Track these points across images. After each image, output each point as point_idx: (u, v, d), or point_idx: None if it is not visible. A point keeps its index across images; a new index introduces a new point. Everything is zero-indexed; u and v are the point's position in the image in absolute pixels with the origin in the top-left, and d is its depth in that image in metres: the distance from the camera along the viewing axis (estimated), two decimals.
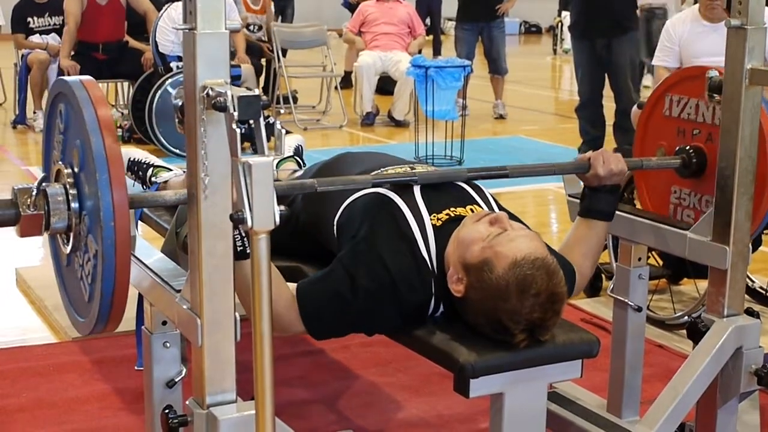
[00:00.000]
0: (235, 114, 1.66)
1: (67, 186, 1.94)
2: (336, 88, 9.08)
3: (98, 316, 1.93)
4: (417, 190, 2.30)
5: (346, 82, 10.02)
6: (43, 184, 1.96)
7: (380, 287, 2.14)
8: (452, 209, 2.26)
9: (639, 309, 2.66)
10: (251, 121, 1.68)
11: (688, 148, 2.58)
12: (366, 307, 2.15)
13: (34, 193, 1.93)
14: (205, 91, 1.74)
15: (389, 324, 2.21)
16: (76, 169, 1.94)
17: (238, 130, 1.65)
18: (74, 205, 1.94)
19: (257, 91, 1.71)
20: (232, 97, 1.67)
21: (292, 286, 2.22)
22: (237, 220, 1.62)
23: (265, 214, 1.61)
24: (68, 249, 2.03)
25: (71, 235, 1.98)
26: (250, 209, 1.61)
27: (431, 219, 2.23)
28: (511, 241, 2.08)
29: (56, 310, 3.84)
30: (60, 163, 2.01)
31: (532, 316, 2.03)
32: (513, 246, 2.07)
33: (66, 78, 2.02)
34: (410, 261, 2.17)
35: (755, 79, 2.32)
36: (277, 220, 1.62)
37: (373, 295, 2.13)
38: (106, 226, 1.81)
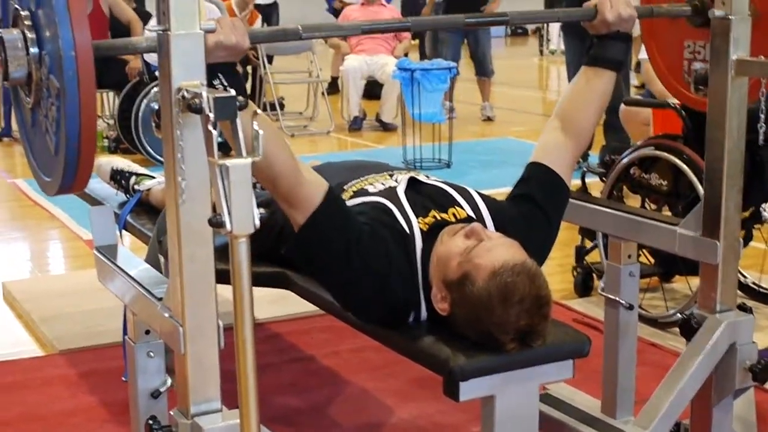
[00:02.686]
0: (211, 115, 1.62)
1: (25, 31, 1.79)
2: (323, 93, 9.05)
3: (65, 167, 1.78)
4: (402, 194, 2.28)
5: (333, 87, 9.99)
6: None
7: (377, 268, 2.09)
8: (436, 212, 2.24)
9: (630, 307, 2.62)
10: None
11: None
12: (357, 267, 2.08)
13: None
14: (180, 93, 1.70)
15: (357, 299, 2.15)
16: (34, 10, 1.78)
17: (214, 132, 1.62)
18: (33, 50, 1.78)
19: (233, 92, 1.67)
20: (208, 98, 1.63)
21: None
22: (216, 224, 1.58)
23: (245, 217, 1.57)
24: (31, 102, 1.88)
25: (32, 85, 1.83)
26: (229, 212, 1.57)
27: (419, 222, 2.20)
28: (488, 252, 2.05)
29: (43, 323, 3.81)
30: (17, 5, 1.85)
31: (520, 324, 2.00)
32: (490, 256, 2.03)
33: None
34: (405, 263, 2.14)
35: (741, 70, 2.29)
36: (257, 223, 1.58)
37: (368, 266, 2.08)
38: (66, 58, 1.67)
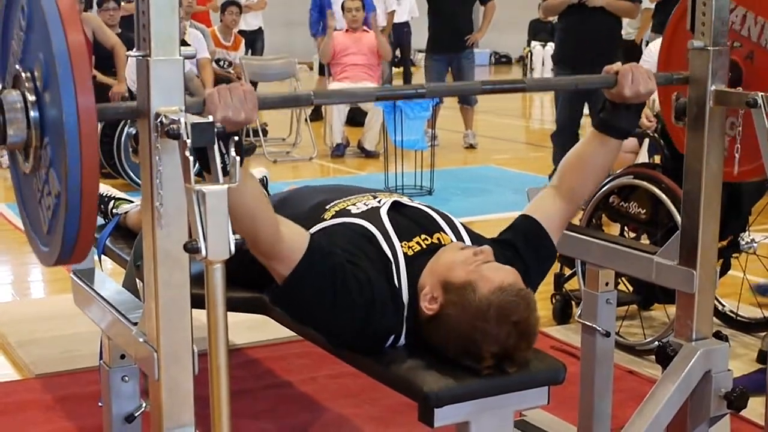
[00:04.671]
0: (189, 141, 1.63)
1: (26, 93, 1.72)
2: (306, 120, 9.06)
3: (63, 241, 1.72)
4: (385, 216, 2.27)
5: (317, 114, 10.00)
6: None
7: (361, 302, 2.09)
8: (421, 238, 2.24)
9: (607, 334, 2.63)
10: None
11: None
12: (342, 305, 2.08)
13: None
14: (159, 119, 1.70)
15: (343, 334, 2.14)
16: (36, 73, 1.72)
17: (191, 158, 1.62)
18: (33, 113, 1.72)
19: (211, 118, 1.68)
20: (186, 124, 1.64)
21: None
22: (191, 249, 1.58)
23: (220, 243, 1.57)
24: (29, 167, 1.81)
25: (31, 150, 1.76)
26: (205, 238, 1.57)
27: (402, 247, 2.20)
28: (497, 271, 2.09)
29: (20, 347, 3.79)
30: (18, 68, 1.79)
31: (506, 343, 2.01)
32: (499, 274, 2.08)
33: None
34: (387, 289, 2.14)
35: (719, 100, 2.31)
36: (233, 249, 1.59)
37: (353, 303, 2.08)
38: (69, 131, 1.60)
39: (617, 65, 2.30)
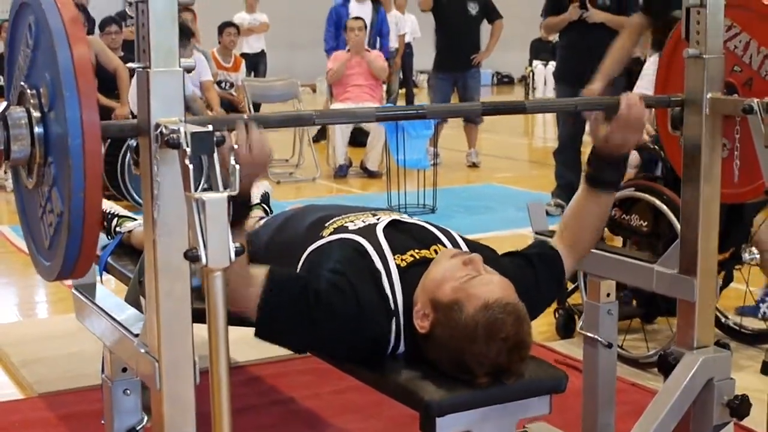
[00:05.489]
0: (188, 150, 1.64)
1: (31, 109, 1.74)
2: (309, 142, 9.08)
3: (66, 255, 1.74)
4: (380, 232, 2.29)
5: (322, 134, 10.02)
6: (4, 111, 1.75)
7: (345, 311, 2.10)
8: (416, 251, 2.25)
9: (609, 345, 2.63)
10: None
11: None
12: (323, 320, 2.10)
13: None
14: (159, 129, 1.71)
15: (334, 348, 2.17)
16: (42, 90, 1.74)
17: (191, 166, 1.63)
18: (38, 130, 1.73)
19: (210, 127, 1.69)
20: (185, 133, 1.65)
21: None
22: (191, 258, 1.58)
23: (220, 250, 1.58)
24: (32, 183, 1.82)
25: (34, 166, 1.78)
26: (205, 246, 1.58)
27: (395, 259, 2.21)
28: (484, 285, 2.07)
29: (24, 366, 3.79)
30: (24, 84, 1.81)
31: (498, 360, 2.02)
32: (486, 289, 2.06)
33: None
34: (376, 296, 2.15)
35: (715, 108, 2.32)
36: (233, 257, 1.59)
37: (334, 314, 2.10)
38: (74, 147, 1.61)
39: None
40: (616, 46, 4.62)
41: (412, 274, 2.18)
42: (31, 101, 1.76)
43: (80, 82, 1.65)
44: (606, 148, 2.34)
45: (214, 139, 1.65)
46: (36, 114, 1.75)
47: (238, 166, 1.65)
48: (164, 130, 1.69)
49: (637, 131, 2.32)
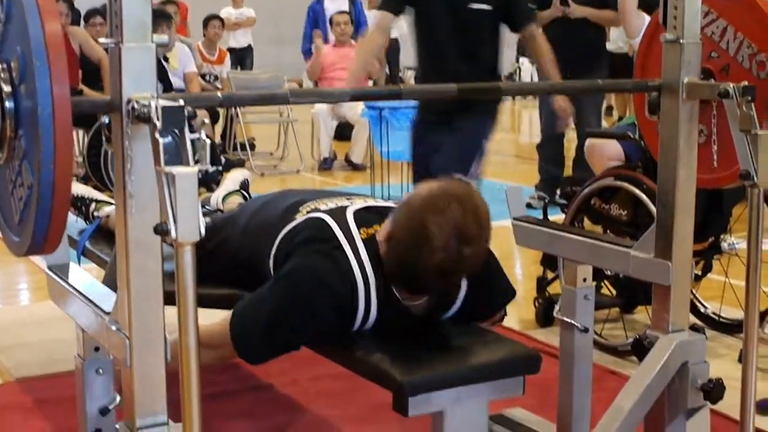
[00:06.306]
0: (159, 124, 1.63)
1: (2, 83, 1.73)
2: (294, 134, 9.08)
3: (35, 230, 1.73)
4: (350, 212, 2.34)
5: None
6: None
7: (308, 287, 2.16)
8: (381, 224, 2.30)
9: (586, 330, 2.63)
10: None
11: None
12: (297, 311, 2.15)
13: None
14: (131, 105, 1.70)
15: (320, 322, 2.20)
16: (13, 64, 1.73)
17: (161, 140, 1.62)
18: (9, 104, 1.72)
19: (182, 102, 1.68)
20: (156, 107, 1.64)
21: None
22: (161, 232, 1.58)
23: (190, 225, 1.57)
24: (2, 158, 1.82)
25: (5, 141, 1.77)
26: (174, 220, 1.57)
27: (360, 233, 2.27)
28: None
29: (1, 351, 3.77)
30: None
31: (457, 220, 2.09)
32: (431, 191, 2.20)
33: None
34: (335, 269, 2.20)
35: (692, 92, 2.32)
36: (203, 231, 1.58)
37: (302, 296, 2.16)
38: (43, 116, 1.61)
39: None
40: None
41: (376, 243, 2.23)
42: (2, 75, 1.74)
43: (51, 53, 1.64)
44: None
45: (185, 113, 1.65)
46: (6, 88, 1.73)
47: (209, 141, 1.65)
48: (136, 106, 1.68)
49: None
